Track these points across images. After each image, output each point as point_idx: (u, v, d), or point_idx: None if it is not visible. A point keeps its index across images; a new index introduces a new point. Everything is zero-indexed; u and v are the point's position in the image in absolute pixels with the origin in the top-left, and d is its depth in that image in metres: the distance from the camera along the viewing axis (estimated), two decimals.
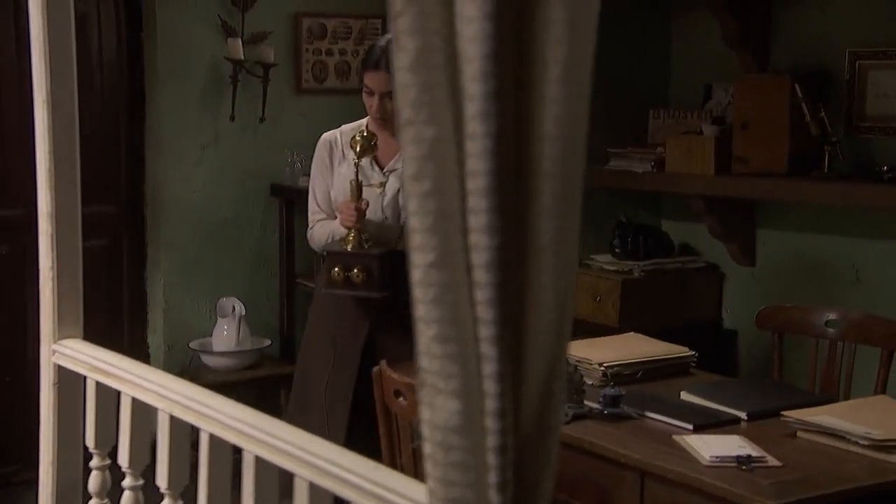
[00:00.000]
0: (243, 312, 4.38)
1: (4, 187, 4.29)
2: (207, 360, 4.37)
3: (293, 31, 4.76)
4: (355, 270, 2.92)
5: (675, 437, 2.05)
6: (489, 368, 0.99)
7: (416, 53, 0.99)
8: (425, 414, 1.02)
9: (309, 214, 3.18)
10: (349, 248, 2.96)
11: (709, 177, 3.72)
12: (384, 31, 4.92)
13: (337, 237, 3.04)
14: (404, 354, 2.97)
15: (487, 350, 0.99)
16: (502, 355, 0.99)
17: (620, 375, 2.63)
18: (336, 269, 2.93)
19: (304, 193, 4.57)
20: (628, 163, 4.13)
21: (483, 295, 0.99)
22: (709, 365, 3.94)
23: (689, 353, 2.82)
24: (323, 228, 3.08)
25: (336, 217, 3.08)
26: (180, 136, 4.53)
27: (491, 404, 0.99)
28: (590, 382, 2.58)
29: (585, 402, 2.25)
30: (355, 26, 4.92)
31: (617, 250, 4.11)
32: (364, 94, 3.03)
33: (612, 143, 4.24)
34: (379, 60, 2.97)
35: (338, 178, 3.07)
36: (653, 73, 4.37)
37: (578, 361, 2.67)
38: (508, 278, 0.98)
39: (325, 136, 3.11)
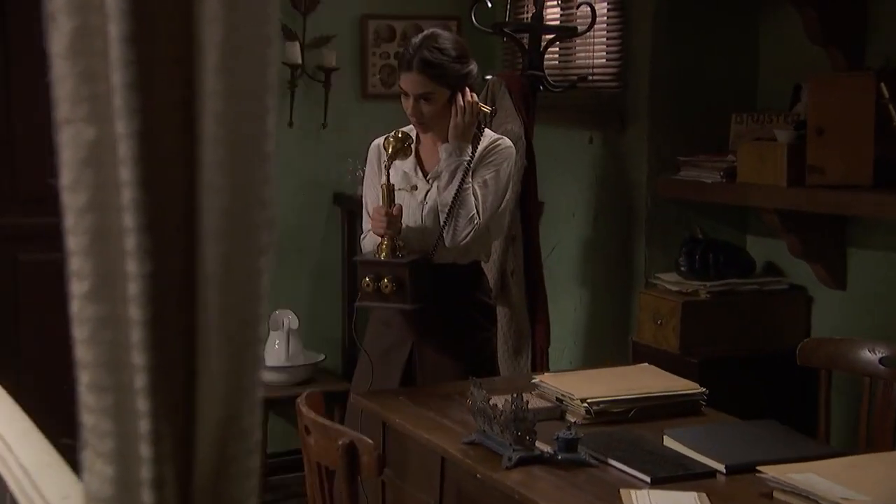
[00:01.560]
0: (294, 326, 4.29)
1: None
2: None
3: (359, 34, 4.65)
4: (385, 280, 2.76)
5: (624, 491, 1.79)
6: (143, 427, 0.81)
7: (73, 36, 0.82)
8: (85, 482, 0.84)
9: (363, 224, 3.02)
10: (382, 256, 2.79)
11: (781, 189, 3.37)
12: (460, 33, 4.76)
13: (371, 244, 2.90)
14: (443, 371, 2.88)
15: (141, 404, 0.81)
16: (158, 411, 0.80)
17: (607, 413, 2.35)
18: (367, 279, 2.77)
19: None
20: (698, 172, 3.81)
21: (136, 335, 0.81)
22: (785, 404, 3.60)
23: (698, 391, 2.50)
24: (371, 238, 2.92)
25: None
26: None
27: (146, 472, 0.81)
28: (572, 420, 2.33)
29: (538, 445, 2.02)
30: (427, 27, 4.75)
31: (682, 268, 3.79)
32: (402, 97, 2.86)
33: (689, 150, 3.93)
34: (411, 60, 2.80)
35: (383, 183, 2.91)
36: (738, 75, 4.03)
37: (561, 395, 2.42)
38: (164, 315, 0.80)
39: (376, 140, 2.97)
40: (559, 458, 1.93)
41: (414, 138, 2.92)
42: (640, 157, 4.02)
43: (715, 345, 3.68)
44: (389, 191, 2.81)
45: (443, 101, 2.83)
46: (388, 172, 2.80)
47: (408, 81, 2.81)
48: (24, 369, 4.29)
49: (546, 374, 2.70)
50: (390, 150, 2.82)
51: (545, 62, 4.27)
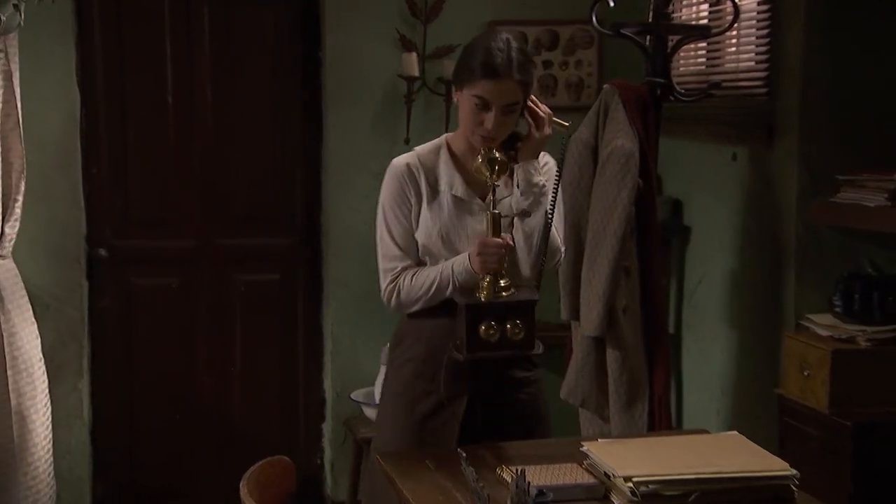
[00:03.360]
0: None
1: (173, 218, 4.29)
2: (369, 412, 4.06)
3: None
4: (509, 325, 2.43)
5: None
6: None
7: None
8: None
9: (383, 263, 2.59)
10: (494, 294, 2.44)
11: None
12: (601, 40, 4.37)
13: (446, 288, 2.52)
14: (503, 428, 2.54)
15: None
16: None
17: (659, 497, 1.91)
18: (486, 325, 2.42)
19: None
20: (860, 194, 3.23)
21: None
22: None
23: (788, 473, 2.01)
24: (421, 278, 2.54)
25: (430, 261, 2.57)
26: (351, 162, 4.31)
27: None
28: (615, 503, 1.92)
29: None
30: (563, 34, 4.41)
31: (838, 309, 3.22)
32: (468, 108, 2.49)
33: (849, 168, 3.36)
34: (506, 65, 2.45)
35: (426, 216, 2.56)
36: None
37: (607, 471, 1.99)
38: None
39: (399, 161, 2.62)
40: None
41: (447, 153, 2.61)
42: (789, 176, 3.49)
43: (874, 405, 3.10)
44: (497, 220, 2.48)
45: (519, 111, 2.53)
46: (494, 198, 2.48)
47: (498, 90, 2.46)
48: (136, 398, 4.28)
49: (600, 440, 2.30)
50: (496, 168, 2.47)
51: (681, 67, 3.83)
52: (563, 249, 2.66)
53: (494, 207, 2.47)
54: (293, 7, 4.32)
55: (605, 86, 3.47)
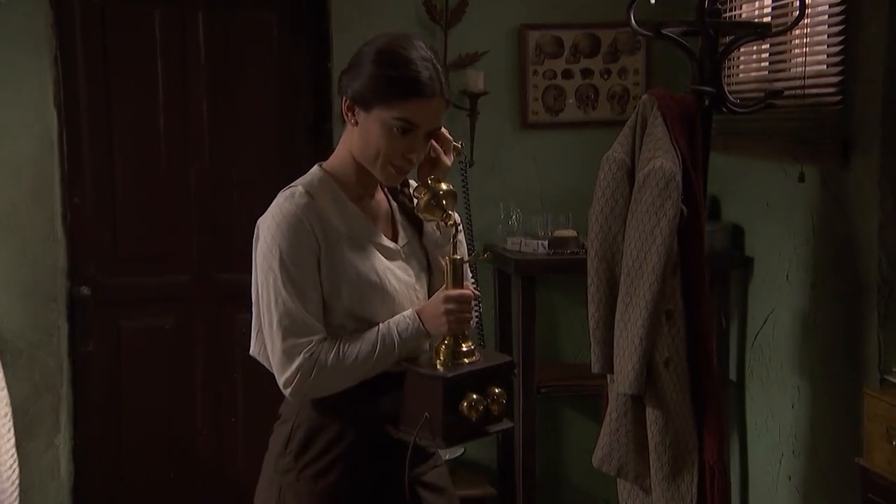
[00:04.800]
0: None
1: (167, 251, 3.91)
2: None
3: (516, 49, 3.92)
4: (490, 397, 2.05)
5: None
6: None
7: None
8: None
9: (287, 339, 2.04)
10: (453, 360, 2.05)
11: None
12: (648, 44, 3.91)
13: (387, 359, 2.06)
14: None
15: None
16: None
17: None
18: (468, 401, 2.01)
19: (526, 258, 3.68)
20: None
21: None
22: None
23: None
24: (352, 351, 2.04)
25: (334, 330, 2.07)
26: None
27: None
28: None
29: None
30: (605, 38, 3.95)
31: None
32: (379, 132, 2.06)
33: None
34: (437, 81, 2.09)
35: (341, 270, 2.06)
36: None
37: None
38: None
39: (295, 205, 2.07)
40: None
41: (339, 190, 2.15)
42: (868, 200, 2.98)
43: None
44: (459, 267, 2.11)
45: None
46: (455, 240, 2.10)
47: (428, 111, 2.09)
48: (125, 455, 3.93)
49: None
50: (446, 202, 2.12)
51: (740, 73, 3.33)
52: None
53: (455, 251, 2.10)
54: (298, 13, 3.94)
55: (643, 96, 3.00)
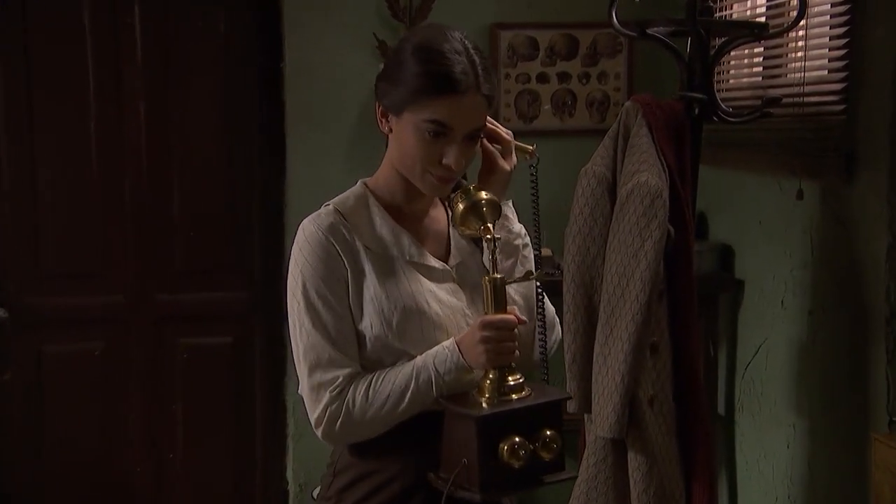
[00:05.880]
0: None
1: (98, 269, 3.65)
2: None
3: (487, 51, 3.64)
4: (538, 441, 1.84)
5: None
6: None
7: None
8: None
9: (313, 374, 1.90)
10: (500, 398, 1.84)
11: None
12: (631, 47, 3.69)
13: (424, 397, 1.88)
14: None
15: None
16: None
17: None
18: (510, 444, 1.80)
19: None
20: None
21: None
22: None
23: None
24: (384, 388, 1.89)
25: (370, 364, 1.92)
26: (320, 198, 3.56)
27: None
28: None
29: None
30: (584, 39, 3.72)
31: None
32: (413, 138, 1.88)
33: None
34: (470, 75, 1.85)
35: (374, 295, 1.90)
36: None
37: None
38: None
39: (318, 223, 1.93)
40: None
41: (377, 205, 2.00)
42: (875, 219, 2.79)
43: None
44: (501, 288, 1.90)
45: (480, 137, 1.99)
46: (495, 257, 1.91)
47: (462, 110, 1.86)
48: (47, 495, 3.69)
49: None
50: (490, 214, 1.94)
51: (731, 78, 3.10)
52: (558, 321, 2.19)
53: (495, 270, 1.90)
54: (247, 8, 3.69)
55: (626, 103, 2.78)
